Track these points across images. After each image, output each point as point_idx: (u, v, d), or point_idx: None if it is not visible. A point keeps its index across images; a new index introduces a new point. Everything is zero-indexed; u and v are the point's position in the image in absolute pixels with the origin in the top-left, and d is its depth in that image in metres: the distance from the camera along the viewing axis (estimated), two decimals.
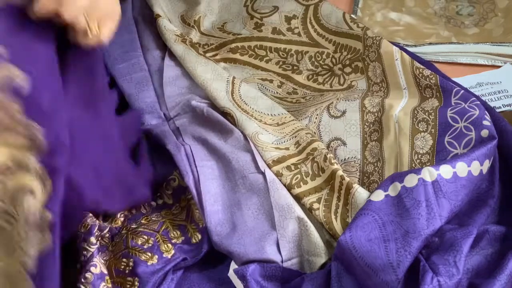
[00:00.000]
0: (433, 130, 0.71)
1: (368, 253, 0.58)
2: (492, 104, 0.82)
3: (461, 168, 0.63)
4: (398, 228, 0.59)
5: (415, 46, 0.91)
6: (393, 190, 0.63)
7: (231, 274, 0.66)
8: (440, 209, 0.60)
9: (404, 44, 0.90)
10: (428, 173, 0.62)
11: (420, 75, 0.77)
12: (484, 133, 0.67)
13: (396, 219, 0.60)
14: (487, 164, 0.65)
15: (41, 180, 0.53)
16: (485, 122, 0.68)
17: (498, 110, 0.81)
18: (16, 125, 0.52)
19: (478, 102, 0.71)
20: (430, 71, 0.77)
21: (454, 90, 0.74)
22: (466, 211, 0.64)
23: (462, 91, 0.74)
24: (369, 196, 0.64)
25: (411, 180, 0.63)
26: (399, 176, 0.64)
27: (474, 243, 0.60)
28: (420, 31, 0.95)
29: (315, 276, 0.62)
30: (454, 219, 0.63)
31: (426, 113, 0.73)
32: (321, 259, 0.65)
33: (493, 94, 0.84)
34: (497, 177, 0.68)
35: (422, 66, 0.78)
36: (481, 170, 0.64)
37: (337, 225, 0.66)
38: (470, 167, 0.63)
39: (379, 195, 0.63)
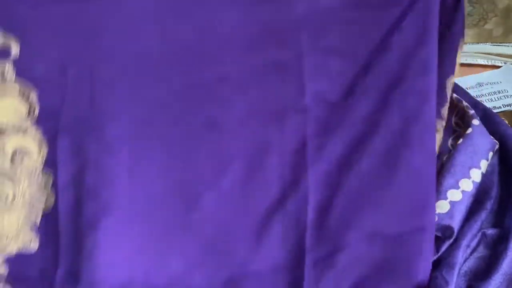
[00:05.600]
0: None
1: None
2: (492, 104, 0.82)
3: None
4: None
5: None
6: None
7: None
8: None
9: None
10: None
11: None
12: None
13: None
14: (484, 164, 0.65)
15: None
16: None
17: (498, 110, 0.81)
18: None
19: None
20: None
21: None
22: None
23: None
24: None
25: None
26: None
27: (472, 248, 0.60)
28: None
29: None
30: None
31: None
32: None
33: (493, 94, 0.84)
34: (497, 179, 0.67)
35: None
36: (482, 173, 0.64)
37: None
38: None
39: None
